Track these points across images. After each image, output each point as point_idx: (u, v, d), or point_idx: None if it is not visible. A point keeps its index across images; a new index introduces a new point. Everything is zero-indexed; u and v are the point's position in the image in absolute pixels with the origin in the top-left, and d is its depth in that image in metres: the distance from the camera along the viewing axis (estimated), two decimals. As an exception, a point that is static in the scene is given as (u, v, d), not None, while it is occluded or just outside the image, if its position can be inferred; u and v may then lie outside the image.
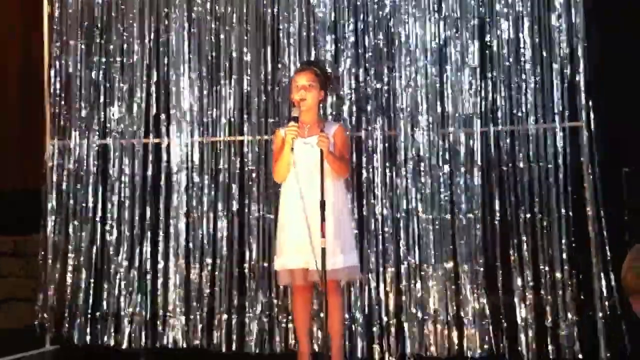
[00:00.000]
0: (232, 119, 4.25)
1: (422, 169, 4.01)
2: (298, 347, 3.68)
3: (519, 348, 3.84)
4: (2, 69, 5.31)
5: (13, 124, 5.27)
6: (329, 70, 3.93)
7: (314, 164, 3.42)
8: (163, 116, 4.32)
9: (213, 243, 4.18)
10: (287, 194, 3.62)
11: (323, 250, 3.26)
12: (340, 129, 3.70)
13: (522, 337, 3.84)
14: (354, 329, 3.99)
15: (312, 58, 4.11)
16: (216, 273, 4.16)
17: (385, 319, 3.96)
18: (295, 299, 3.65)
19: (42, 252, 4.35)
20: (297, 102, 3.57)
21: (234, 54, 4.25)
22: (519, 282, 3.87)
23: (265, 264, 4.09)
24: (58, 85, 4.42)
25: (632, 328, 3.66)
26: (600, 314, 3.76)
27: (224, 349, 4.10)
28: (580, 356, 3.78)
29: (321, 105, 3.80)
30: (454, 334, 3.90)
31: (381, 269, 3.99)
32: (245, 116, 4.23)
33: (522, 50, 3.96)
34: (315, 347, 3.89)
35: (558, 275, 3.84)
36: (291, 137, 3.46)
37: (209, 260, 4.17)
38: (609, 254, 3.76)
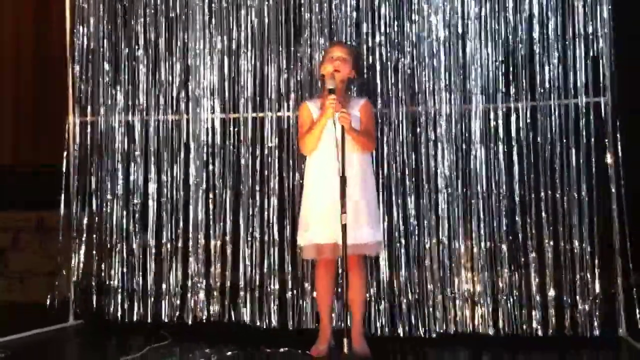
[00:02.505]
0: (253, 96, 4.25)
1: (444, 146, 4.00)
2: (320, 321, 3.71)
3: (537, 325, 3.85)
4: (25, 45, 5.35)
5: (35, 100, 5.32)
6: (360, 52, 3.95)
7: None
8: (183, 93, 4.34)
9: (234, 219, 4.20)
10: (313, 169, 3.63)
11: (344, 226, 3.27)
12: (366, 104, 3.70)
13: (535, 313, 3.86)
14: (374, 303, 4.01)
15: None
16: (239, 248, 4.18)
17: (410, 295, 3.97)
18: (319, 273, 3.67)
19: (65, 228, 4.38)
20: (330, 74, 3.55)
21: (255, 30, 4.24)
22: (537, 258, 3.87)
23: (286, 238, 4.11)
24: (81, 62, 4.43)
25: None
26: (621, 291, 3.76)
27: (247, 321, 4.14)
28: (597, 333, 3.79)
29: (351, 83, 3.77)
30: (480, 312, 3.92)
31: (403, 246, 4.01)
32: (267, 93, 4.23)
33: (546, 25, 3.93)
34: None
35: (577, 252, 3.83)
36: (331, 110, 3.41)
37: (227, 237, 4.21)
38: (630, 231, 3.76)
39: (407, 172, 4.03)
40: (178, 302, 4.24)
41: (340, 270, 3.55)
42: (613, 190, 3.81)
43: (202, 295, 4.21)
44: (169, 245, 4.28)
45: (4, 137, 5.59)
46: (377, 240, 3.61)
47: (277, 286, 4.13)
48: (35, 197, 5.02)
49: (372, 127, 3.72)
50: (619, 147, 3.81)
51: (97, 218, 4.37)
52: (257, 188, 4.19)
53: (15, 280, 5.08)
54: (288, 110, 4.20)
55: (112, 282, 4.32)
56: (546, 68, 3.92)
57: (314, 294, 3.93)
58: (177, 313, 4.24)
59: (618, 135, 3.81)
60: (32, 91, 5.45)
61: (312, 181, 3.62)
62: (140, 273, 4.30)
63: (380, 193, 3.98)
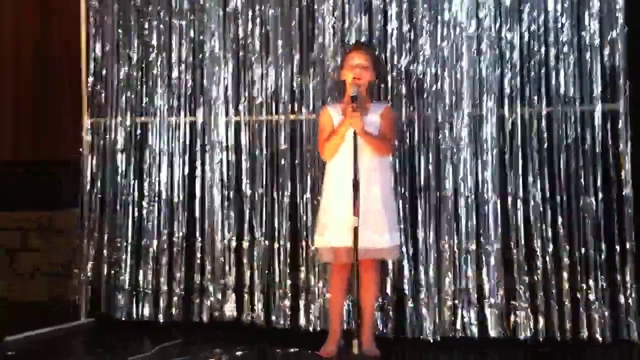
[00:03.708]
0: (267, 99, 4.26)
1: (454, 150, 3.99)
2: (330, 322, 3.71)
3: (551, 329, 3.83)
4: (44, 44, 5.39)
5: (52, 99, 5.36)
6: (379, 53, 3.97)
7: (361, 143, 3.46)
8: (198, 95, 4.36)
9: (249, 221, 4.21)
10: (332, 173, 3.64)
11: (355, 229, 3.30)
12: (388, 110, 3.72)
13: (549, 318, 3.84)
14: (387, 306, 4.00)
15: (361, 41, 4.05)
16: (252, 249, 4.20)
17: (422, 296, 3.95)
18: (334, 276, 3.68)
19: (78, 227, 4.42)
20: (352, 82, 3.58)
21: (270, 34, 4.25)
22: (551, 263, 3.85)
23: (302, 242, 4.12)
24: (95, 62, 4.47)
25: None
26: (634, 297, 3.74)
27: (257, 321, 4.15)
28: (609, 338, 3.76)
29: (372, 87, 3.79)
30: (490, 315, 3.90)
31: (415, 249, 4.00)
32: (281, 96, 4.24)
33: (560, 31, 3.92)
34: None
35: (591, 256, 3.81)
36: (354, 125, 3.43)
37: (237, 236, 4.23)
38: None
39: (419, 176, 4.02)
40: (189, 301, 4.25)
41: (353, 271, 3.52)
42: (629, 194, 3.78)
43: (213, 295, 4.22)
44: (180, 245, 4.29)
45: (4, 135, 5.61)
46: (395, 244, 3.62)
47: (288, 287, 4.13)
48: (42, 196, 5.06)
49: (391, 132, 3.71)
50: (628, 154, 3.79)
51: (108, 217, 4.38)
52: (270, 190, 4.20)
53: (26, 279, 5.09)
54: (300, 113, 4.20)
55: (123, 281, 4.34)
56: (561, 74, 3.91)
57: (327, 295, 3.91)
58: (188, 312, 4.24)
59: (629, 142, 3.79)
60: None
61: (330, 185, 3.64)
62: (152, 272, 4.31)
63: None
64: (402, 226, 3.88)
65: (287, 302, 4.13)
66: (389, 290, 4.00)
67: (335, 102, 3.91)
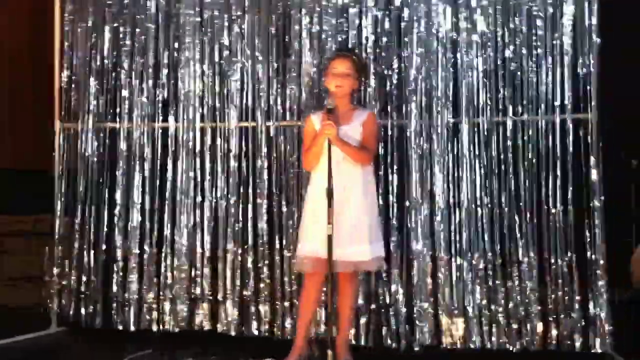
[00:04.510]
0: (243, 105, 4.25)
1: (433, 159, 4.01)
2: (295, 336, 3.65)
3: (521, 340, 3.86)
4: (15, 51, 5.32)
5: (26, 105, 5.29)
6: (363, 59, 3.96)
7: (342, 153, 3.46)
8: (171, 100, 4.34)
9: (224, 228, 4.19)
10: (314, 183, 3.61)
11: (329, 237, 3.26)
12: (370, 117, 3.67)
13: (520, 328, 3.87)
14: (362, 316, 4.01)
15: (346, 46, 4.06)
16: (225, 258, 4.18)
17: (402, 308, 3.97)
18: (308, 287, 3.61)
19: (51, 234, 4.38)
20: (333, 92, 3.57)
21: (245, 39, 4.24)
22: (522, 274, 3.88)
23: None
24: (68, 68, 4.43)
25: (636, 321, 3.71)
26: (606, 307, 3.77)
27: (230, 331, 4.14)
28: (580, 349, 3.80)
29: (354, 94, 3.78)
30: (463, 326, 3.93)
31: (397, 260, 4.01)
32: (256, 102, 4.23)
33: (533, 42, 3.95)
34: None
35: (561, 266, 3.84)
36: (327, 133, 3.40)
37: (210, 245, 4.21)
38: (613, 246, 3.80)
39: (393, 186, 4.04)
40: (161, 310, 4.22)
41: (328, 280, 3.50)
42: (597, 204, 3.82)
43: (185, 304, 4.19)
44: (152, 253, 4.25)
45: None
46: (377, 255, 3.57)
47: (262, 296, 4.12)
48: (19, 202, 4.99)
49: (372, 141, 3.66)
50: (600, 164, 3.83)
51: (81, 224, 4.34)
52: (245, 198, 4.18)
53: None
54: (277, 120, 4.20)
55: (95, 289, 4.29)
56: (533, 83, 3.95)
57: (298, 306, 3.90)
58: (160, 321, 4.21)
59: (600, 152, 3.83)
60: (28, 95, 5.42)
61: (312, 195, 3.60)
62: (124, 280, 4.26)
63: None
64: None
65: (260, 311, 4.12)
66: (364, 300, 4.00)
67: (320, 110, 3.89)
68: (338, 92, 3.56)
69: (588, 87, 3.86)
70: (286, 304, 4.09)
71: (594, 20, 3.87)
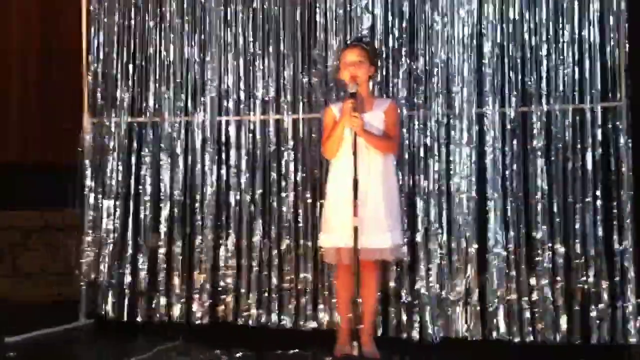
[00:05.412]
0: (268, 98, 4.25)
1: (455, 147, 3.97)
2: (340, 323, 3.69)
3: (547, 331, 3.80)
4: (45, 44, 5.39)
5: (53, 99, 5.35)
6: (375, 45, 3.94)
7: (363, 141, 3.45)
8: (198, 94, 4.35)
9: (250, 222, 4.20)
10: (334, 173, 3.62)
11: (355, 229, 3.29)
12: (392, 106, 3.69)
13: (546, 319, 3.81)
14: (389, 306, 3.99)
15: (356, 36, 4.03)
16: (251, 250, 4.19)
17: (424, 298, 3.94)
18: (339, 276, 3.66)
19: (76, 228, 4.43)
20: (350, 79, 3.56)
21: (271, 33, 4.24)
22: (549, 265, 3.82)
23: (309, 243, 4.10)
24: (96, 63, 4.47)
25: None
26: (633, 300, 3.71)
27: (257, 323, 4.14)
28: (608, 341, 3.73)
29: (371, 81, 3.78)
30: (487, 316, 3.88)
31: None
32: (282, 95, 4.22)
33: (561, 29, 3.89)
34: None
35: (592, 259, 3.78)
36: (354, 126, 3.41)
37: (235, 238, 4.21)
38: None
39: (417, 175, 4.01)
40: (190, 302, 4.23)
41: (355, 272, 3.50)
42: (625, 196, 3.74)
43: (213, 296, 4.21)
44: (179, 246, 4.27)
45: (10, 134, 5.62)
46: (397, 244, 3.59)
47: (288, 288, 4.12)
48: (43, 196, 5.05)
49: (395, 130, 3.68)
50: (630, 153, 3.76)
51: (107, 218, 4.37)
52: (270, 190, 4.19)
53: (25, 279, 5.09)
54: (303, 112, 4.19)
55: (122, 282, 4.32)
56: (561, 72, 3.89)
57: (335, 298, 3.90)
58: (188, 314, 4.22)
59: (630, 141, 3.76)
60: (37, 91, 5.49)
61: (333, 185, 3.62)
62: (150, 273, 4.29)
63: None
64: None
65: (287, 303, 4.12)
66: (389, 292, 3.98)
67: (339, 101, 3.88)
68: (356, 80, 3.55)
69: (617, 76, 3.79)
70: (310, 296, 4.08)
71: (623, 6, 3.79)
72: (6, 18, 5.59)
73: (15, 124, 5.59)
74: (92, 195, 4.42)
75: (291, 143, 4.17)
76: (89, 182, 4.43)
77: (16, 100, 5.59)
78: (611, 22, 3.82)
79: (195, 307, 4.22)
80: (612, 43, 3.82)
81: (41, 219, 5.18)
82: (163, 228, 4.30)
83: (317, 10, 4.17)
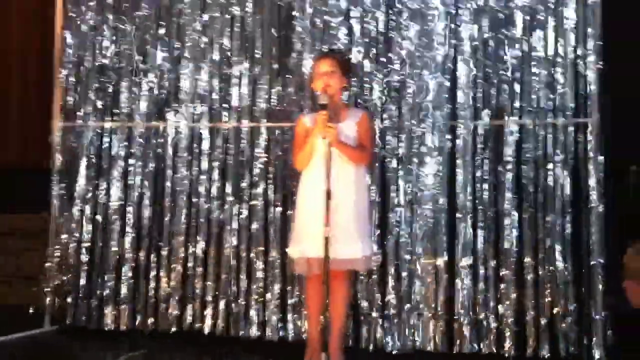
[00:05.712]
0: (241, 106, 4.23)
1: (427, 162, 3.98)
2: (309, 334, 3.64)
3: (513, 345, 3.80)
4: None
5: (26, 103, 5.31)
6: (348, 56, 3.94)
7: (336, 152, 3.44)
8: (171, 100, 4.33)
9: (218, 228, 4.17)
10: (305, 184, 3.61)
11: (326, 239, 3.26)
12: (365, 117, 3.68)
13: (512, 333, 3.81)
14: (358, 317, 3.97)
15: (329, 47, 4.04)
16: (220, 258, 4.15)
17: (394, 310, 3.93)
18: (309, 288, 3.61)
19: (46, 232, 4.36)
20: (321, 89, 3.54)
21: (247, 40, 4.24)
22: (517, 277, 3.83)
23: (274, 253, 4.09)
24: (68, 67, 4.43)
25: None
26: (598, 312, 3.70)
27: (224, 332, 4.10)
28: (573, 353, 3.74)
29: (343, 92, 3.77)
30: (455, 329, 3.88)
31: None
32: (256, 102, 4.21)
33: (534, 44, 3.92)
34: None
35: (558, 271, 3.79)
36: (328, 136, 3.38)
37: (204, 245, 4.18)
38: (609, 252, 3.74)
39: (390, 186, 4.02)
40: (157, 310, 4.19)
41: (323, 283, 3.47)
42: (594, 210, 3.77)
43: (180, 304, 4.17)
44: (147, 253, 4.23)
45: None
46: (368, 254, 3.57)
47: (258, 297, 4.09)
48: (14, 200, 4.99)
49: (369, 140, 3.67)
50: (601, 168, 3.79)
51: (76, 223, 4.32)
52: (242, 198, 4.17)
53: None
54: (277, 121, 4.18)
55: (88, 288, 4.27)
56: (534, 87, 3.91)
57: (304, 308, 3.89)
58: (154, 322, 4.18)
59: (602, 157, 3.79)
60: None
61: (303, 195, 3.60)
62: (118, 280, 4.24)
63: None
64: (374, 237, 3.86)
65: (255, 313, 4.09)
66: (359, 302, 3.97)
67: (311, 111, 3.88)
68: (328, 91, 3.54)
69: (589, 91, 3.82)
70: (279, 306, 4.06)
71: (597, 22, 3.82)
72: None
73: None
74: (58, 200, 4.36)
75: (263, 152, 4.16)
76: (56, 187, 4.37)
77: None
78: (584, 38, 3.86)
79: (161, 315, 4.18)
80: (585, 59, 3.85)
81: (19, 222, 5.09)
82: (131, 234, 4.25)
83: (294, 19, 4.17)
